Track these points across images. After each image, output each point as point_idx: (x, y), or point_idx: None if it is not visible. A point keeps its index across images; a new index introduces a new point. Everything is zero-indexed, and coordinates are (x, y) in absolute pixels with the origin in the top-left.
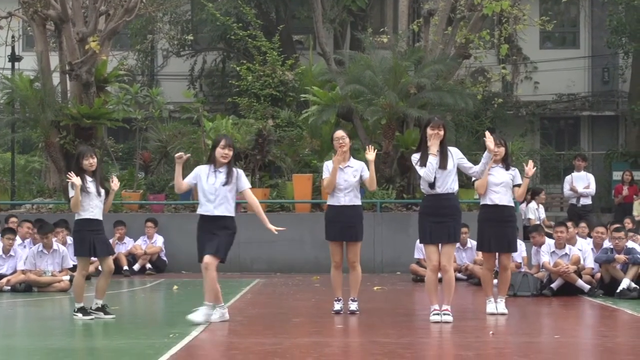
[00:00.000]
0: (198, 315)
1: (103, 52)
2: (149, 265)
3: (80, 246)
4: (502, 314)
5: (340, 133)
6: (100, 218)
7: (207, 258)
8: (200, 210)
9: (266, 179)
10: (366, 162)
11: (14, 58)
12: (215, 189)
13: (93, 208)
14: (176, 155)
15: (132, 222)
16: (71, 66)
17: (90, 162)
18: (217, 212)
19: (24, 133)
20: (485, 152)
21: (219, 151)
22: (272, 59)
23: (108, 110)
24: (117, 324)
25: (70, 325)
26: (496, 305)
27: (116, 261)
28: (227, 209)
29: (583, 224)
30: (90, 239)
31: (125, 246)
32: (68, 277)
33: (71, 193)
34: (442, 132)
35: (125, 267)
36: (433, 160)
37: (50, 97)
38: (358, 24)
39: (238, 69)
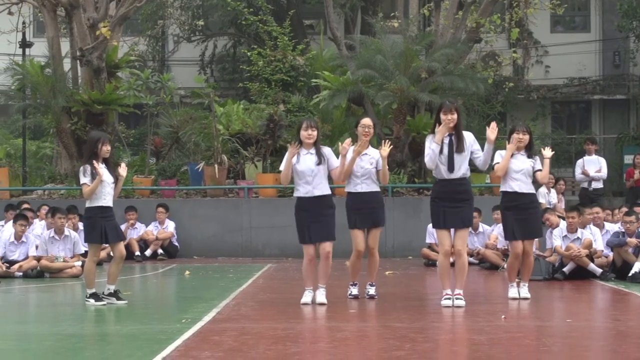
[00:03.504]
0: (321, 296)
1: (114, 38)
2: (160, 251)
3: (92, 233)
4: (525, 299)
5: (367, 121)
6: (111, 205)
7: (328, 246)
8: (299, 193)
9: (277, 164)
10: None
11: (24, 44)
12: (311, 170)
13: (105, 195)
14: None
15: (143, 208)
16: (82, 52)
17: (108, 148)
18: (317, 192)
19: (35, 119)
20: (486, 143)
21: (302, 134)
22: (282, 44)
23: (119, 95)
24: (129, 309)
25: (82, 311)
26: (519, 290)
27: (128, 247)
28: (326, 188)
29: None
30: (101, 226)
31: (136, 231)
32: (80, 263)
33: (84, 179)
34: (454, 116)
35: (137, 253)
36: (435, 147)
37: (61, 83)
38: (369, 9)
39: (249, 54)
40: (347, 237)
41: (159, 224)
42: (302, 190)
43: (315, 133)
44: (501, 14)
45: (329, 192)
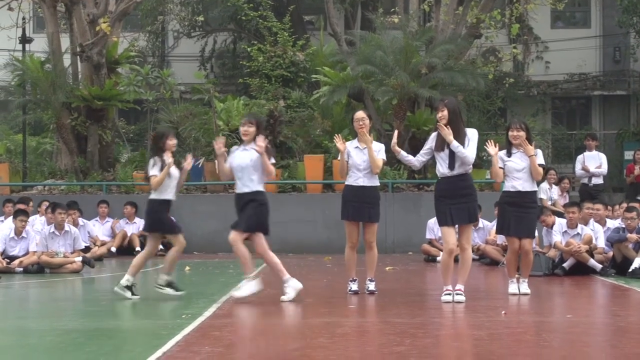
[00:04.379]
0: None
1: (114, 34)
2: (161, 247)
3: (156, 224)
4: (525, 294)
5: (360, 114)
6: (174, 199)
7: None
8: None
9: (277, 160)
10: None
11: (24, 40)
12: (241, 167)
13: (171, 189)
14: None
15: (143, 203)
16: (82, 48)
17: (173, 142)
18: (245, 189)
19: (35, 115)
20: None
21: (240, 129)
22: (283, 40)
23: (119, 91)
24: (130, 304)
25: (83, 306)
26: (519, 286)
27: (129, 242)
28: (255, 185)
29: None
30: (165, 217)
31: (136, 226)
32: (80, 259)
33: (152, 171)
34: (444, 113)
35: (138, 248)
36: (411, 158)
37: (61, 78)
38: (369, 4)
39: (249, 49)
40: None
41: None
42: (236, 186)
43: (252, 129)
44: (501, 9)
45: (258, 188)
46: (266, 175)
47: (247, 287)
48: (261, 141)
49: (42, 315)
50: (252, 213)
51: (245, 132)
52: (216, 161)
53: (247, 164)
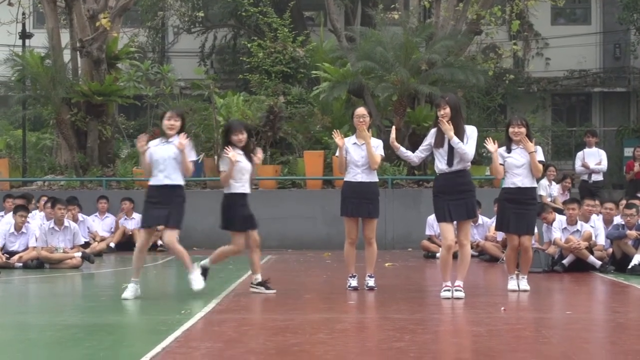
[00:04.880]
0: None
1: (114, 29)
2: (160, 242)
3: (229, 220)
4: (524, 291)
5: (361, 111)
6: (248, 192)
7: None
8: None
9: (277, 156)
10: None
11: (24, 35)
12: (164, 159)
13: (243, 182)
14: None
15: (142, 199)
16: (82, 43)
17: (240, 137)
18: (167, 182)
19: (35, 110)
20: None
21: (165, 123)
22: (283, 36)
23: (119, 87)
24: (130, 300)
25: (82, 301)
26: (518, 282)
27: (130, 237)
28: (178, 178)
29: (596, 202)
30: (239, 213)
31: (134, 222)
32: (80, 254)
33: (221, 167)
34: (447, 111)
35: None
36: (410, 154)
37: (61, 74)
38: (369, 0)
39: (249, 45)
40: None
41: None
42: (155, 179)
43: (178, 124)
44: (502, 6)
45: (181, 182)
46: (184, 172)
47: (199, 278)
48: (183, 138)
49: (42, 311)
50: (178, 208)
51: (171, 126)
52: (140, 158)
53: (170, 156)
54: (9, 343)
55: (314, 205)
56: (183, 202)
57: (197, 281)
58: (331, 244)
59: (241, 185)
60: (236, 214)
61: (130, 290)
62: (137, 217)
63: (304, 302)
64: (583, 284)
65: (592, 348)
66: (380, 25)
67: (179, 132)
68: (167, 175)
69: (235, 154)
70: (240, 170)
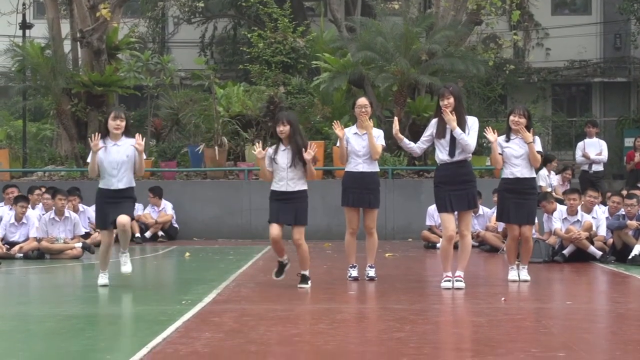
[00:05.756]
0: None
1: (114, 20)
2: (161, 233)
3: (271, 213)
4: (525, 281)
5: (363, 101)
6: (290, 189)
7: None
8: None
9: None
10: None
11: (25, 25)
12: (117, 162)
13: (281, 179)
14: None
15: (143, 189)
16: (82, 33)
17: (280, 129)
18: (120, 185)
19: (36, 100)
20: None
21: (110, 123)
22: (283, 26)
23: (119, 77)
24: (130, 290)
25: (83, 292)
26: (518, 273)
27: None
28: (129, 181)
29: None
30: (280, 207)
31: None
32: (80, 245)
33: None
34: (451, 101)
35: (137, 234)
36: (413, 145)
37: (62, 64)
38: None
39: (249, 36)
40: (337, 219)
41: (155, 206)
42: (105, 182)
43: (124, 124)
44: None
45: (133, 184)
46: (138, 172)
47: (128, 263)
48: (139, 138)
49: (42, 301)
50: (130, 209)
51: (117, 126)
52: (91, 157)
53: (123, 160)
54: (9, 333)
55: (314, 196)
56: (134, 203)
57: (128, 264)
58: (331, 235)
59: (277, 183)
60: (279, 207)
61: (104, 278)
62: (137, 207)
63: (304, 292)
64: (583, 275)
65: (593, 338)
66: (380, 15)
67: (123, 132)
68: (120, 179)
69: (261, 150)
70: (277, 167)
